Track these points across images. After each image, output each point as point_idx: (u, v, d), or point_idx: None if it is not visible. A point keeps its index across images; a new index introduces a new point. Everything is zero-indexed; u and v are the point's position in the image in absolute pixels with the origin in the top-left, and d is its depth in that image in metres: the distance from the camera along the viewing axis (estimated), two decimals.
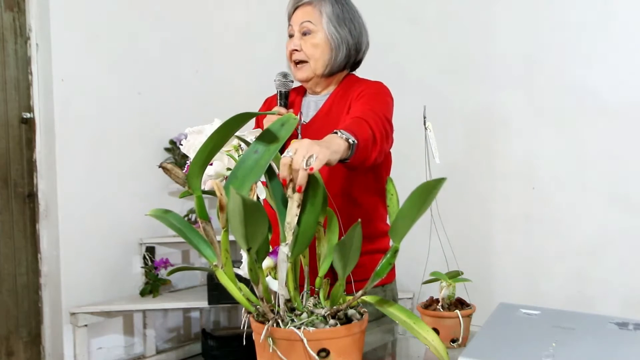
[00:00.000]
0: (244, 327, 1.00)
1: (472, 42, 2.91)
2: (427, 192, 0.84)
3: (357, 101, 1.54)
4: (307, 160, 1.00)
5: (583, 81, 2.62)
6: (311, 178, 0.97)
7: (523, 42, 2.77)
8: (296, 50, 1.60)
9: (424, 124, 1.42)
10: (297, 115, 1.64)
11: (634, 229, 2.51)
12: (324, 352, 0.88)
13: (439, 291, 1.30)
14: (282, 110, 1.57)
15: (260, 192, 1.06)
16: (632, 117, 2.51)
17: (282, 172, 1.00)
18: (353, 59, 1.64)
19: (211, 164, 1.08)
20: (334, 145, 1.17)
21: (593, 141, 2.61)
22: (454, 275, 1.30)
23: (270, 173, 1.01)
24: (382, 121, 1.43)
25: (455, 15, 2.96)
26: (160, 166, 0.96)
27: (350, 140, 1.24)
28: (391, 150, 1.69)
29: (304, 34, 1.59)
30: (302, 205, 0.92)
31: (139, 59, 3.25)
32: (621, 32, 2.54)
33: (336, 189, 1.54)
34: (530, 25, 2.75)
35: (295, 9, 1.62)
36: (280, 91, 1.62)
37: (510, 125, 2.82)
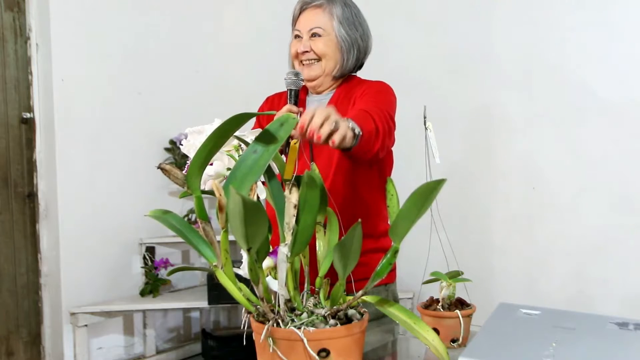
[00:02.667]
0: (244, 327, 1.00)
1: (472, 42, 2.90)
2: (427, 192, 0.84)
3: (361, 99, 1.54)
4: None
5: (583, 81, 2.62)
6: (309, 178, 0.97)
7: (523, 42, 2.77)
8: (306, 51, 1.58)
9: (424, 124, 1.42)
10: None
11: (634, 229, 2.51)
12: (324, 352, 0.88)
13: (439, 291, 1.30)
14: (294, 108, 1.56)
15: (261, 192, 1.06)
16: (632, 117, 2.51)
17: (297, 132, 1.10)
18: (360, 62, 1.65)
19: (211, 164, 1.08)
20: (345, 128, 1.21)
21: (593, 141, 2.60)
22: (454, 275, 1.30)
23: (270, 173, 1.01)
24: (385, 117, 1.44)
25: (455, 15, 2.96)
26: (159, 167, 0.96)
27: (356, 131, 1.25)
28: (392, 149, 1.69)
29: (314, 35, 1.58)
30: (300, 206, 0.92)
31: (139, 59, 3.25)
32: (621, 31, 2.54)
33: (341, 183, 1.54)
34: (530, 25, 2.75)
35: (303, 10, 1.60)
36: (291, 89, 1.59)
37: (510, 125, 2.82)
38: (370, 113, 1.39)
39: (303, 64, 1.61)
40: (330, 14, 1.57)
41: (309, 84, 1.65)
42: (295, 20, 1.63)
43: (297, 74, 1.58)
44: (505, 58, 2.82)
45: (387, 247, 1.59)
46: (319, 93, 1.66)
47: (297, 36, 1.61)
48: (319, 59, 1.59)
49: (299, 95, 1.61)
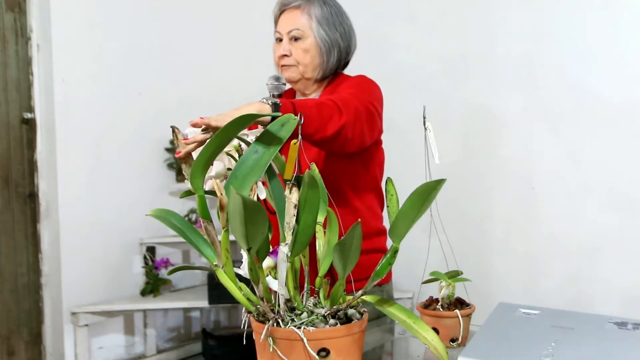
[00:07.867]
0: (244, 326, 1.01)
1: (472, 42, 2.91)
2: (426, 192, 0.84)
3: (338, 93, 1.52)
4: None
5: (583, 81, 2.62)
6: (310, 177, 0.97)
7: (523, 42, 2.77)
8: (286, 55, 1.57)
9: (424, 124, 1.42)
10: None
11: (634, 229, 2.51)
12: (324, 351, 0.88)
13: (438, 291, 1.30)
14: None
15: (261, 192, 1.07)
16: (632, 117, 2.52)
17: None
18: (343, 62, 1.63)
19: (211, 164, 1.08)
20: (247, 108, 1.16)
21: (593, 141, 2.61)
22: (454, 275, 1.31)
23: (270, 173, 1.02)
24: (360, 101, 1.40)
25: (455, 15, 2.96)
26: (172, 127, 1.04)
27: (269, 102, 1.19)
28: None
29: (294, 39, 1.57)
30: (300, 205, 0.92)
31: (139, 59, 3.26)
32: (621, 31, 2.54)
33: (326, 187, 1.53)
34: (530, 25, 2.75)
35: (282, 12, 1.59)
36: (273, 94, 1.57)
37: (510, 125, 2.82)
38: (329, 98, 1.34)
39: (283, 67, 1.60)
40: (308, 15, 1.55)
41: (294, 87, 1.64)
42: (275, 22, 1.62)
43: (278, 78, 1.56)
44: (505, 58, 2.82)
45: (380, 247, 1.58)
46: (305, 96, 1.65)
47: (278, 39, 1.60)
48: (297, 64, 1.58)
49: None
